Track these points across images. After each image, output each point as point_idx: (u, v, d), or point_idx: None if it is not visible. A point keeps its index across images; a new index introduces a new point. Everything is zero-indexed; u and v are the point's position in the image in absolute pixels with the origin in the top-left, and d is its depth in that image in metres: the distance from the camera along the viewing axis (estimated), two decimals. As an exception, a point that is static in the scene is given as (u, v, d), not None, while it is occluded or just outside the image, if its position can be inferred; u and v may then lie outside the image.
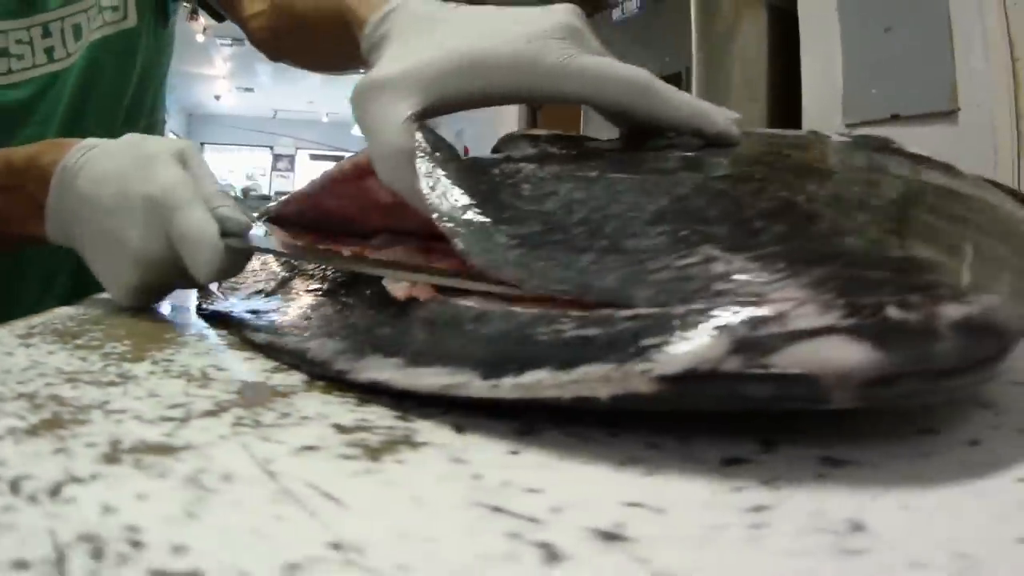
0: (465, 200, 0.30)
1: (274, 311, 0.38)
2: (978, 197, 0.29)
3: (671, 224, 0.25)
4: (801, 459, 0.20)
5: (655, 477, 0.19)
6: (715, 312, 0.19)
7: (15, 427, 0.22)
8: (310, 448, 0.21)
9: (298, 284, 0.43)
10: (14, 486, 0.17)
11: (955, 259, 0.22)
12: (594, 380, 0.19)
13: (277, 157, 11.19)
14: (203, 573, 0.13)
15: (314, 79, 7.98)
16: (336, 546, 0.15)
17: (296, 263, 0.46)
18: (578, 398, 0.20)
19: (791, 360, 0.17)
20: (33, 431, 0.22)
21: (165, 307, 0.48)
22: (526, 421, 0.23)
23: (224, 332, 0.40)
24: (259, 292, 0.44)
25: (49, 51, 0.79)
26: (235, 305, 0.41)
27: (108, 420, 0.23)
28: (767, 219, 0.23)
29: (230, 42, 6.99)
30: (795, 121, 2.63)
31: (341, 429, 0.23)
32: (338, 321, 0.32)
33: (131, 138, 0.47)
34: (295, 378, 0.30)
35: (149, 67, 0.91)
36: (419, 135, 0.34)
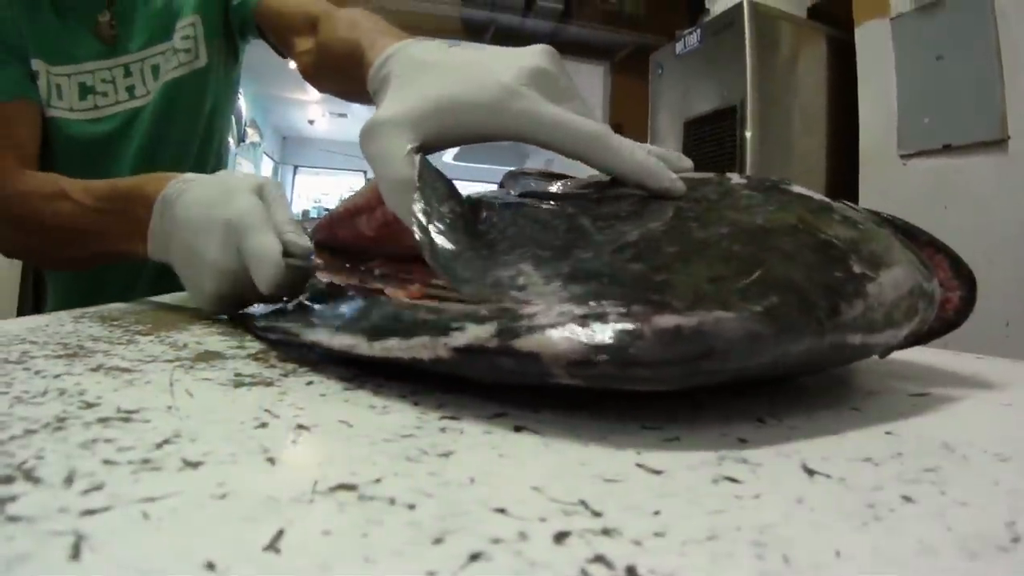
0: (444, 224, 0.38)
1: (279, 313, 0.46)
2: (813, 233, 0.33)
3: (508, 244, 0.37)
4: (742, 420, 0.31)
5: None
6: (494, 310, 0.28)
7: (49, 354, 0.37)
8: (207, 379, 0.35)
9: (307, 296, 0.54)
10: (39, 372, 0.33)
11: (728, 282, 0.28)
12: (419, 347, 0.29)
13: (370, 181, 11.39)
14: (120, 407, 0.28)
15: (404, 106, 8.17)
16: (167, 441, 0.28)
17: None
18: (413, 359, 0.29)
19: (526, 344, 0.26)
20: (59, 357, 0.37)
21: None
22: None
23: (225, 326, 0.54)
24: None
25: (130, 89, 0.91)
26: (258, 310, 0.50)
27: (104, 356, 0.38)
28: (563, 244, 0.35)
29: (333, 95, 7.17)
30: (852, 153, 2.65)
31: (239, 375, 0.37)
32: (316, 314, 0.42)
33: (222, 174, 0.57)
34: (241, 350, 0.44)
35: (219, 103, 1.02)
36: (418, 165, 0.41)
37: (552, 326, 0.25)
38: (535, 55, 0.43)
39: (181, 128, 0.96)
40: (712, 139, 2.79)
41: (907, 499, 0.22)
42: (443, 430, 0.28)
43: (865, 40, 2.60)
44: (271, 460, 0.23)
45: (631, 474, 0.23)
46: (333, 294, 0.46)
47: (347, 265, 0.59)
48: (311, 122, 9.75)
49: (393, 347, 0.31)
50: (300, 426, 0.27)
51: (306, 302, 0.47)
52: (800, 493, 0.22)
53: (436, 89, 0.43)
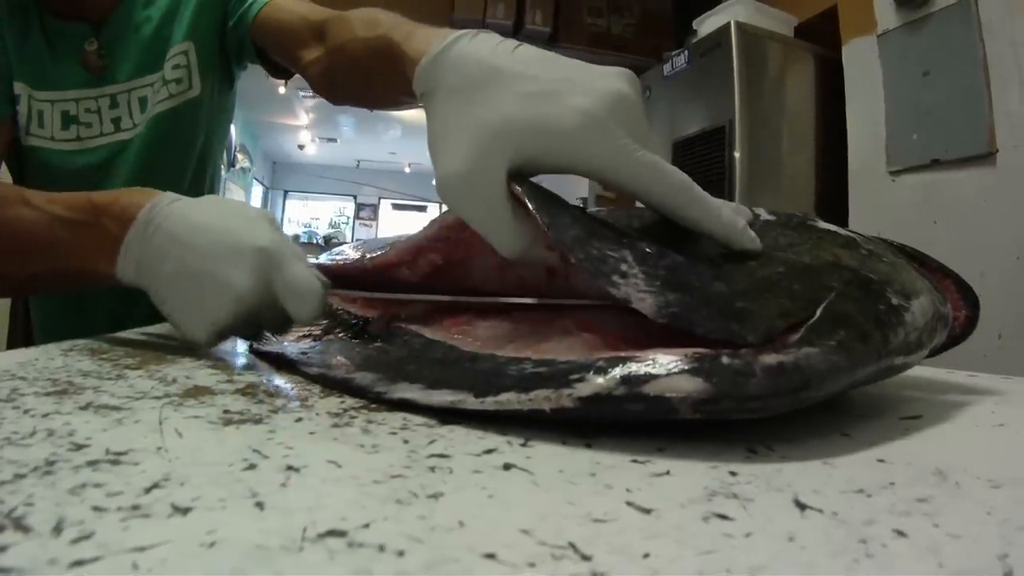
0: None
1: (322, 351, 0.47)
2: (853, 268, 0.38)
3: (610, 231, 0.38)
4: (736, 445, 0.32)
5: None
6: (611, 359, 0.30)
7: (39, 391, 0.37)
8: (197, 417, 0.35)
9: (339, 332, 0.55)
10: (28, 411, 0.32)
11: (796, 316, 0.32)
12: (541, 399, 0.31)
13: (360, 206, 11.48)
14: (110, 449, 0.27)
15: (396, 131, 8.20)
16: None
17: (336, 317, 0.60)
18: (532, 410, 0.31)
19: (655, 388, 0.28)
20: (48, 394, 0.37)
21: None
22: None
23: (219, 358, 0.53)
24: (307, 336, 0.54)
25: (116, 121, 0.88)
26: (287, 347, 0.50)
27: (93, 392, 0.38)
28: (655, 250, 0.36)
29: (312, 94, 7.20)
30: (841, 170, 2.66)
31: (227, 413, 0.37)
32: (375, 359, 0.43)
33: (218, 199, 0.54)
34: (233, 383, 0.44)
35: (212, 131, 0.99)
36: (518, 189, 0.40)
37: (674, 371, 0.29)
38: (623, 80, 0.40)
39: (173, 160, 0.93)
40: (701, 160, 2.80)
41: (899, 533, 0.22)
42: (432, 469, 0.28)
43: (852, 57, 2.62)
44: (260, 505, 0.23)
45: (621, 513, 0.23)
46: (374, 333, 0.49)
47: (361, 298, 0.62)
48: (301, 147, 9.76)
49: (509, 401, 0.32)
50: (289, 467, 0.27)
51: (345, 337, 0.50)
52: (791, 530, 0.22)
53: (508, 112, 0.39)
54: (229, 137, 6.61)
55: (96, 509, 0.22)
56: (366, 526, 0.22)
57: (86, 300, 0.95)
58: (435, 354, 0.41)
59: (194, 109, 0.93)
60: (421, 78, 0.45)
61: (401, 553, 0.20)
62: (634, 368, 0.29)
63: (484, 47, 0.43)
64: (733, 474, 0.28)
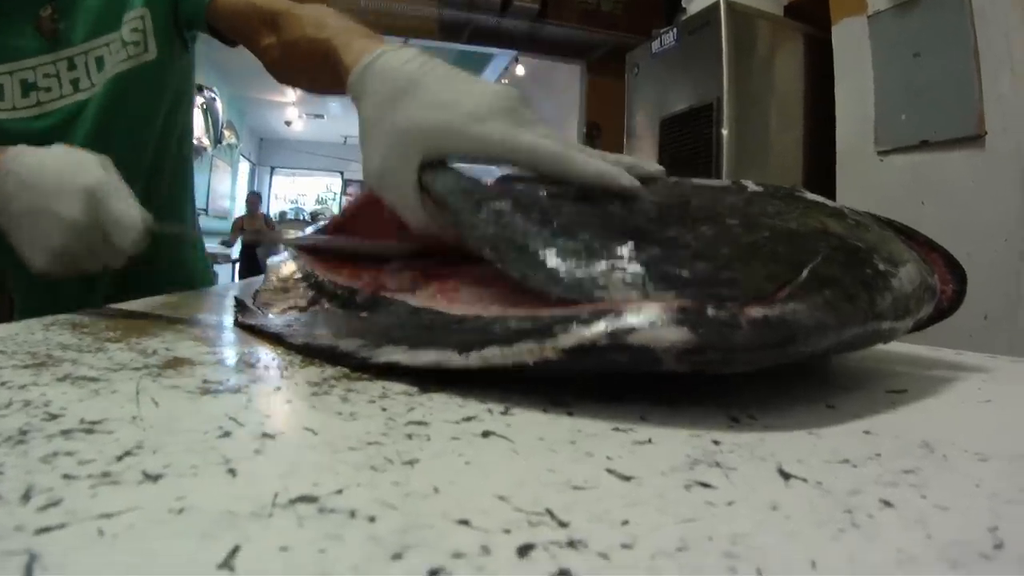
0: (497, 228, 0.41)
1: (307, 322, 0.48)
2: (841, 235, 0.38)
3: (585, 252, 0.37)
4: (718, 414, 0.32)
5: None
6: (597, 311, 0.30)
7: (17, 364, 0.37)
8: (175, 387, 0.34)
9: (325, 303, 0.56)
10: (5, 383, 0.32)
11: (782, 278, 0.32)
12: (524, 352, 0.31)
13: (347, 182, 11.45)
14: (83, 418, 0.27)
15: (381, 107, 8.17)
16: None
17: (322, 288, 0.61)
18: (515, 364, 0.31)
19: (640, 338, 0.28)
20: (27, 367, 0.36)
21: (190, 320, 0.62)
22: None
23: (202, 332, 0.53)
24: (292, 308, 0.56)
25: (75, 82, 0.88)
26: (272, 319, 0.51)
27: (72, 365, 0.37)
28: (646, 255, 0.35)
29: (296, 88, 7.17)
30: (829, 149, 2.66)
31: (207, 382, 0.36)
32: (361, 327, 0.43)
33: (61, 147, 0.62)
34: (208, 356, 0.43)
35: (178, 93, 0.99)
36: (428, 183, 0.47)
37: (659, 321, 0.28)
38: (504, 90, 0.49)
39: (133, 122, 0.93)
40: (688, 137, 2.80)
41: (886, 503, 0.21)
42: (410, 437, 0.27)
43: (842, 38, 2.62)
44: (232, 472, 0.22)
45: (600, 481, 0.23)
46: (364, 303, 0.51)
47: (348, 266, 0.63)
48: (288, 123, 9.72)
49: (493, 356, 0.32)
50: (264, 435, 0.27)
51: (331, 308, 0.51)
52: (775, 499, 0.21)
53: (416, 117, 0.48)
54: (216, 113, 6.60)
55: (66, 477, 0.21)
56: (339, 492, 0.21)
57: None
58: (422, 320, 0.41)
59: (152, 72, 0.93)
60: (352, 86, 0.55)
61: (373, 519, 0.19)
62: (619, 319, 0.29)
63: (398, 61, 0.52)
64: (716, 443, 0.27)
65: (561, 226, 0.39)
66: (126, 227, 0.57)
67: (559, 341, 0.30)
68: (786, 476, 0.24)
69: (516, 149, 0.46)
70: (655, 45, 3.09)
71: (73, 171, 0.58)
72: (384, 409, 0.31)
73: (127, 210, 0.58)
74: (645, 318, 0.29)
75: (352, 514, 0.19)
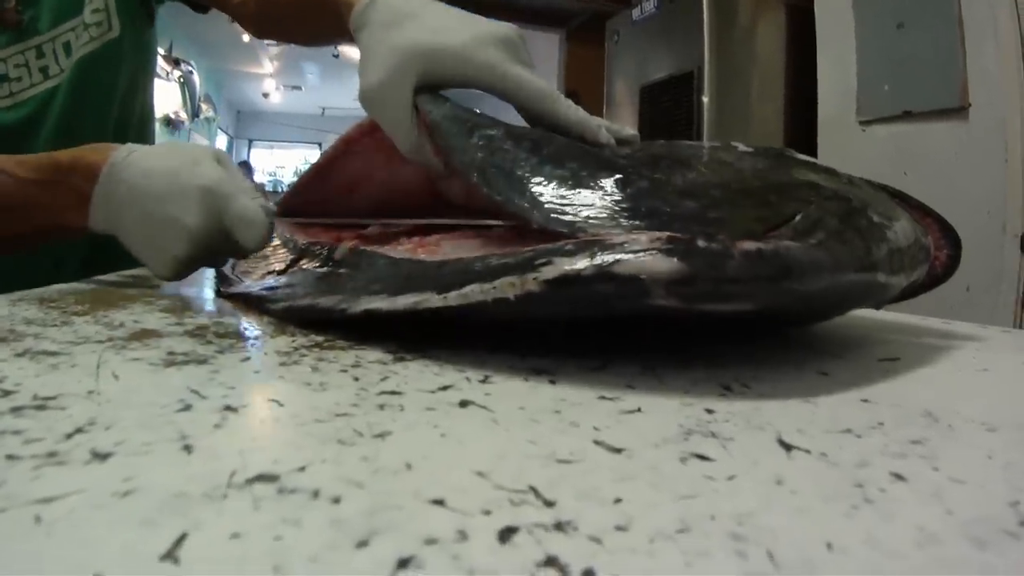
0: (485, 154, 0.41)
1: (288, 285, 0.46)
2: (833, 189, 0.37)
3: (572, 180, 0.37)
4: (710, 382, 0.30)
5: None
6: (581, 244, 0.28)
7: None
8: (137, 359, 0.32)
9: (304, 263, 0.54)
10: None
11: (773, 221, 0.31)
12: (505, 286, 0.29)
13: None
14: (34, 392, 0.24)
15: (361, 78, 8.12)
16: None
17: (302, 249, 0.59)
18: (496, 300, 0.29)
19: (626, 268, 0.26)
20: None
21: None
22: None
23: (173, 303, 0.51)
24: (271, 273, 0.55)
25: (44, 70, 0.87)
26: (252, 285, 0.50)
27: (33, 339, 0.35)
28: (633, 188, 0.35)
29: (276, 41, 7.09)
30: (811, 119, 2.65)
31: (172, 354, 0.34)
32: (340, 283, 0.42)
33: (172, 143, 0.61)
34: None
35: (136, 71, 0.98)
36: (425, 108, 0.48)
37: (647, 251, 0.27)
38: (504, 25, 0.50)
39: (98, 102, 0.92)
40: (669, 105, 2.78)
41: (897, 477, 0.20)
42: (382, 407, 0.25)
43: (825, 7, 2.59)
44: (188, 448, 0.21)
45: (588, 453, 0.21)
46: (343, 258, 0.49)
47: (330, 231, 0.63)
48: (265, 95, 9.64)
49: (473, 293, 0.30)
50: (227, 408, 0.25)
51: (311, 268, 0.50)
52: (779, 472, 0.20)
53: (415, 38, 0.49)
54: (193, 86, 6.51)
55: (9, 458, 0.19)
56: (301, 469, 0.19)
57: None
58: (402, 270, 0.40)
59: (115, 49, 0.92)
60: (356, 18, 0.55)
61: (337, 500, 0.17)
62: (605, 249, 0.28)
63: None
64: (709, 411, 0.26)
65: (550, 154, 0.38)
66: (251, 225, 0.52)
67: (542, 273, 0.28)
68: (787, 447, 0.22)
69: (506, 77, 0.48)
70: (635, 12, 3.06)
71: (188, 171, 0.54)
72: (356, 379, 0.29)
73: (249, 205, 0.53)
74: (633, 247, 0.27)
75: (315, 494, 0.17)
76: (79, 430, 0.22)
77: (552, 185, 0.36)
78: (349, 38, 0.57)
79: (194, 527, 0.16)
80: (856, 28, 2.39)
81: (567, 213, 0.34)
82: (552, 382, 0.29)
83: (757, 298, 0.27)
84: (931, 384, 0.33)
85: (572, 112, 0.47)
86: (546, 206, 0.35)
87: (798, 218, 0.31)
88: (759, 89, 2.78)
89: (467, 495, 0.17)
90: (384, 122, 0.51)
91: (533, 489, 0.18)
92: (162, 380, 0.28)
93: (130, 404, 0.25)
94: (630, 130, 0.50)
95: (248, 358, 0.33)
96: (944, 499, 0.18)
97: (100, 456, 0.20)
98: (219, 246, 0.54)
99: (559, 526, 0.16)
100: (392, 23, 0.51)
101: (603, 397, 0.27)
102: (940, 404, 0.28)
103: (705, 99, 2.65)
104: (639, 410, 0.26)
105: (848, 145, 2.38)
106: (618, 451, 0.21)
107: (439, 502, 0.17)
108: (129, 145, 0.57)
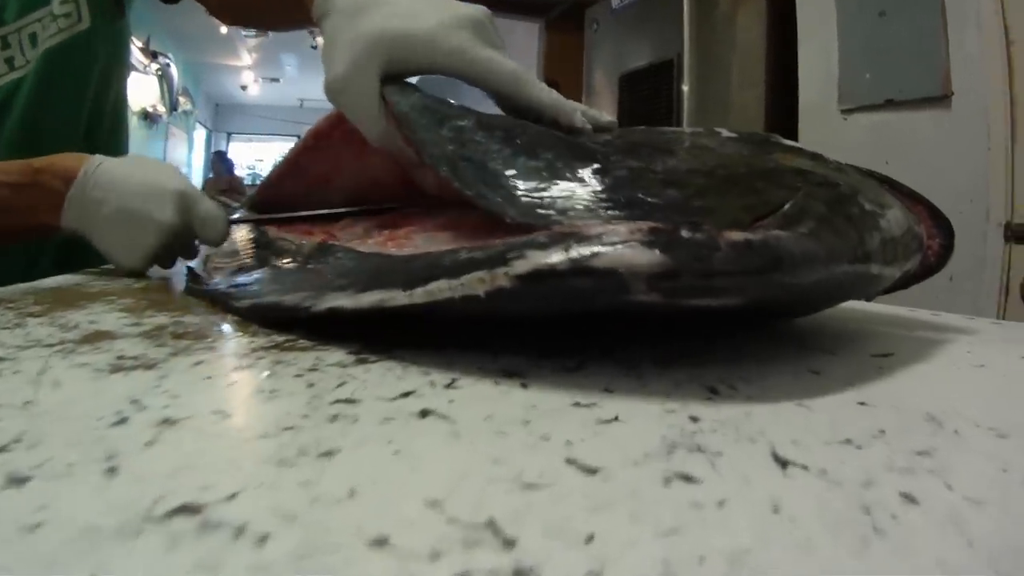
0: (456, 146, 0.40)
1: (255, 282, 0.46)
2: (822, 175, 0.35)
3: (547, 171, 0.35)
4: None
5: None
6: (555, 235, 0.26)
7: None
8: (84, 365, 0.30)
9: (272, 260, 0.53)
10: None
11: (760, 210, 0.29)
12: (474, 282, 0.27)
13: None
14: None
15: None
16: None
17: (271, 244, 0.61)
18: (464, 297, 0.27)
19: (604, 261, 0.24)
20: None
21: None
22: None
23: (135, 301, 0.49)
24: (241, 269, 0.54)
25: (9, 61, 0.85)
26: (219, 283, 0.49)
27: None
28: (607, 173, 0.34)
29: (254, 33, 7.05)
30: (792, 105, 2.64)
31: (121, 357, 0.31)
32: (307, 279, 0.41)
33: (138, 157, 0.66)
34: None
35: (110, 61, 0.96)
36: (392, 99, 0.47)
37: (626, 242, 0.25)
38: (473, 7, 0.49)
39: (67, 95, 0.90)
40: (648, 93, 2.77)
41: (908, 498, 0.17)
42: (334, 419, 0.23)
43: (805, -6, 2.58)
44: (112, 471, 0.18)
45: (560, 475, 0.18)
46: (310, 253, 0.48)
47: (300, 225, 0.65)
48: (244, 88, 9.58)
49: (439, 289, 0.28)
50: (165, 420, 0.22)
51: (279, 264, 0.49)
52: (775, 495, 0.17)
53: (380, 25, 0.48)
54: (171, 79, 6.46)
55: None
56: (231, 497, 0.17)
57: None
58: (369, 265, 0.39)
59: (85, 41, 0.90)
60: (319, 5, 0.53)
61: (263, 539, 0.15)
62: (581, 242, 0.25)
63: None
64: (694, 419, 0.24)
65: (523, 145, 0.36)
66: (214, 223, 0.61)
67: (513, 267, 0.26)
68: (783, 463, 0.20)
69: (475, 62, 0.47)
70: (615, 1, 3.04)
71: (162, 177, 0.61)
72: (311, 385, 0.27)
73: (212, 207, 0.62)
74: (611, 239, 0.25)
75: (239, 531, 0.15)
76: (3, 449, 0.20)
77: (526, 177, 0.34)
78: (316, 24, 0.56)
79: (100, 570, 0.13)
80: (838, 16, 2.38)
81: (543, 206, 0.32)
82: (524, 385, 0.27)
83: (746, 292, 0.26)
84: (928, 383, 0.31)
85: (545, 95, 0.46)
86: (521, 200, 0.33)
87: (787, 206, 0.29)
88: (739, 77, 2.77)
89: (415, 531, 0.15)
90: (350, 113, 0.50)
91: (492, 523, 0.15)
92: (104, 388, 0.26)
93: (65, 417, 0.23)
94: (608, 116, 0.49)
95: (201, 362, 0.30)
96: (963, 526, 0.16)
97: (17, 481, 0.18)
98: (182, 242, 0.62)
99: (519, 574, 0.13)
100: (356, 10, 0.50)
101: (578, 403, 0.25)
102: (941, 406, 0.26)
103: (685, 87, 2.64)
104: (617, 419, 0.23)
105: (829, 134, 2.38)
106: (593, 472, 0.19)
107: (381, 541, 0.15)
108: (99, 156, 0.62)
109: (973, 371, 0.34)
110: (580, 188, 0.32)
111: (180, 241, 0.62)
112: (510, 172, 0.35)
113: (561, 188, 0.33)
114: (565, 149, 0.37)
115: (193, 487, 0.17)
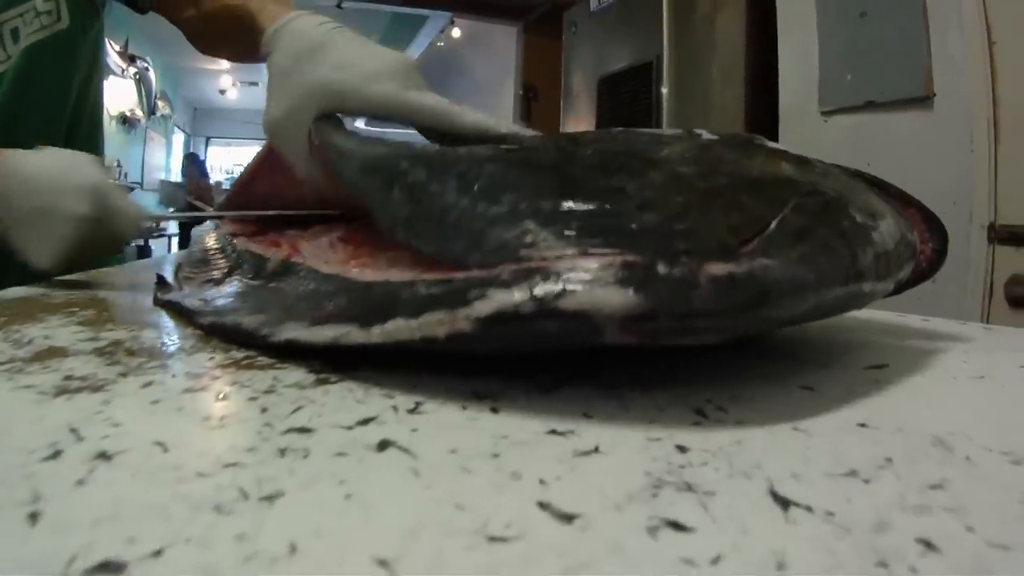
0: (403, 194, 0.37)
1: (218, 297, 0.45)
2: (810, 183, 0.33)
3: (502, 205, 0.32)
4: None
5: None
6: (519, 272, 0.25)
7: None
8: (28, 387, 0.27)
9: (238, 274, 0.54)
10: None
11: (747, 229, 0.27)
12: (434, 324, 0.25)
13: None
14: None
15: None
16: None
17: (237, 257, 0.60)
18: (424, 339, 0.25)
19: (572, 303, 0.22)
20: None
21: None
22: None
23: (90, 313, 0.46)
24: (208, 282, 0.54)
25: None
26: (187, 295, 0.48)
27: None
28: (576, 199, 0.30)
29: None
30: (772, 108, 2.64)
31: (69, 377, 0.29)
32: (269, 299, 0.40)
33: (52, 149, 0.65)
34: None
35: (91, 64, 0.96)
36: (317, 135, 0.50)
37: (597, 281, 0.23)
38: (399, 56, 0.54)
39: (48, 93, 0.90)
40: (627, 96, 2.76)
41: (927, 545, 0.15)
42: (283, 452, 0.21)
43: (785, -4, 2.59)
44: (34, 517, 0.16)
45: (530, 524, 0.16)
46: (274, 270, 0.48)
47: (269, 234, 0.63)
48: (222, 92, 9.54)
49: (397, 330, 0.27)
50: (101, 454, 0.20)
51: (243, 280, 0.49)
52: (778, 546, 0.15)
53: (316, 76, 0.53)
54: (149, 83, 6.41)
55: None
56: (156, 554, 0.15)
57: None
58: (329, 287, 0.38)
59: (65, 40, 0.91)
60: (267, 43, 0.58)
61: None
62: (547, 280, 0.24)
63: (305, 26, 0.57)
64: (682, 449, 0.21)
65: (482, 189, 0.33)
66: (129, 218, 0.62)
67: (474, 309, 0.24)
68: (784, 503, 0.17)
69: (403, 104, 0.51)
70: (593, 3, 3.04)
71: (75, 170, 0.61)
72: (264, 410, 0.25)
73: (128, 203, 0.63)
74: (580, 277, 0.23)
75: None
76: (-75, 491, 0.17)
77: (489, 226, 0.31)
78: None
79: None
80: (818, 17, 2.39)
81: (508, 246, 0.28)
82: (494, 410, 0.25)
83: (729, 331, 0.24)
84: (929, 399, 0.29)
85: (467, 117, 0.49)
86: (485, 245, 0.30)
87: (774, 225, 0.27)
88: (719, 78, 2.77)
89: (357, 604, 0.13)
90: (284, 152, 0.56)
91: (450, 591, 0.13)
92: (44, 414, 0.24)
93: (-4, 448, 0.20)
94: (526, 131, 0.51)
95: (151, 383, 0.28)
96: (993, 580, 0.14)
97: (-71, 532, 0.15)
98: (101, 237, 0.62)
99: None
100: (298, 55, 0.54)
101: (553, 431, 0.23)
102: (947, 426, 0.24)
103: (664, 89, 2.63)
104: (596, 450, 0.21)
105: (810, 135, 2.38)
106: (569, 519, 0.16)
107: (317, 619, 0.12)
108: (11, 151, 0.62)
109: (973, 384, 0.32)
110: (549, 218, 0.29)
111: (97, 235, 0.61)
112: (469, 223, 0.32)
113: (527, 222, 0.29)
114: (529, 182, 0.33)
115: (118, 540, 0.15)
